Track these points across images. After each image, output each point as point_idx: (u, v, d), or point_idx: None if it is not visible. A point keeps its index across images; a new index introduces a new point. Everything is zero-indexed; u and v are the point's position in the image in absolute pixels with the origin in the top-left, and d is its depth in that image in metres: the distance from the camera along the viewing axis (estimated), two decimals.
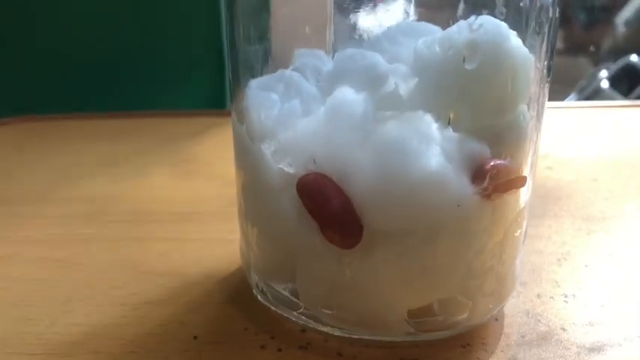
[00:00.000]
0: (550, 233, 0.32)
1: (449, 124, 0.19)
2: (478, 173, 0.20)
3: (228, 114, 0.25)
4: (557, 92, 1.30)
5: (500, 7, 0.21)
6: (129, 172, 0.39)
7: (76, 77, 0.52)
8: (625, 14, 1.44)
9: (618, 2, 1.51)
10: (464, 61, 0.19)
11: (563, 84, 1.34)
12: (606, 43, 1.58)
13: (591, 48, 1.28)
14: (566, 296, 0.27)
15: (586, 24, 1.60)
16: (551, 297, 0.27)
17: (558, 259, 0.30)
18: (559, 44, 1.63)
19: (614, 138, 0.45)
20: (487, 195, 0.20)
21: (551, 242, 0.31)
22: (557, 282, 0.28)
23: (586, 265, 0.29)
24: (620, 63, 1.23)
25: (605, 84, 1.26)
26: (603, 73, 1.30)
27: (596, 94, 1.24)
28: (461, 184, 0.20)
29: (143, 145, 0.43)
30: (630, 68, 1.21)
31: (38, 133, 0.46)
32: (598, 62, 1.47)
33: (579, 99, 1.28)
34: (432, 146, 0.20)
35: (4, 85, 0.52)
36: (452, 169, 0.20)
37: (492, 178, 0.20)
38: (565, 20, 1.58)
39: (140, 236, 0.32)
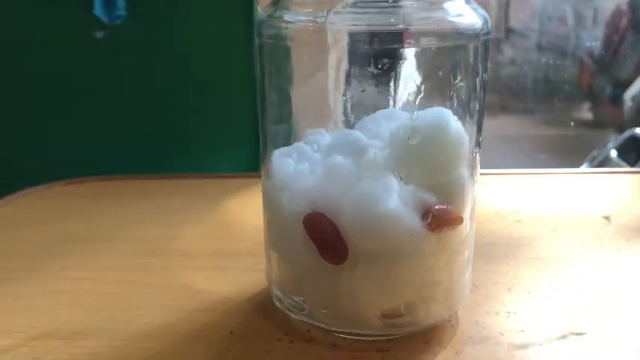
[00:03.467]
0: (507, 269, 0.41)
1: (401, 180, 0.29)
2: (425, 213, 0.30)
3: (258, 176, 0.35)
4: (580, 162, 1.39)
5: (454, 100, 0.31)
6: (181, 219, 0.50)
7: (140, 147, 0.65)
8: (632, 91, 1.53)
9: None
10: (408, 139, 0.29)
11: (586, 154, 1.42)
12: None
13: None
14: (508, 313, 0.36)
15: (612, 98, 1.70)
16: (496, 313, 0.36)
17: (509, 288, 0.38)
18: (587, 116, 1.73)
19: (581, 200, 0.53)
20: (432, 229, 0.30)
21: (506, 276, 0.40)
22: (504, 303, 0.37)
23: (529, 292, 0.38)
24: (626, 134, 1.32)
25: (613, 153, 1.34)
26: (612, 144, 1.38)
27: (604, 163, 1.32)
28: (413, 221, 0.29)
29: (193, 200, 0.54)
30: (636, 139, 1.30)
31: (108, 189, 0.57)
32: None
33: (590, 167, 1.36)
34: (393, 195, 0.30)
35: (81, 153, 0.65)
36: (406, 210, 0.29)
37: (435, 217, 0.30)
38: (593, 94, 1.68)
39: (190, 265, 0.42)
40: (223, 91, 0.63)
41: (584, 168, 1.28)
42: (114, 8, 0.59)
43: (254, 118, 0.34)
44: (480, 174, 0.58)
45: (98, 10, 0.59)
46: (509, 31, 2.08)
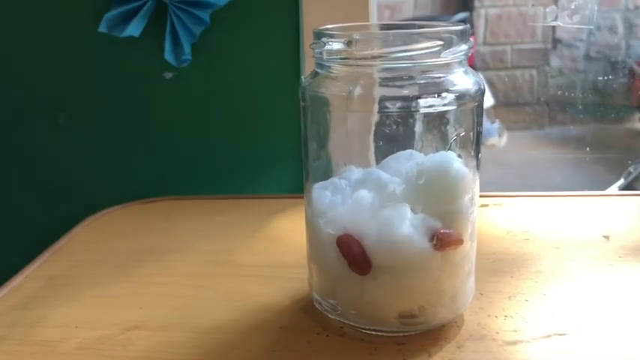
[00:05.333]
0: (511, 281, 0.49)
1: (411, 210, 0.38)
2: (432, 236, 0.38)
3: (303, 197, 0.44)
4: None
5: (457, 145, 0.39)
6: (239, 235, 0.59)
7: (204, 171, 0.75)
8: None
9: None
10: (416, 179, 0.38)
11: None
12: None
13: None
14: (505, 316, 0.43)
15: None
16: (496, 316, 0.43)
17: (509, 296, 0.46)
18: (638, 127, 1.75)
19: (585, 220, 0.60)
20: (437, 249, 0.38)
21: (509, 286, 0.48)
22: (503, 309, 0.44)
23: (526, 300, 0.45)
24: None
25: None
26: None
27: (638, 179, 1.36)
28: (422, 242, 0.38)
29: (248, 217, 0.63)
30: None
31: (177, 207, 0.67)
32: None
33: (624, 183, 1.40)
34: (406, 222, 0.38)
35: (153, 177, 0.75)
36: (416, 234, 0.38)
37: (439, 239, 0.38)
38: None
39: (248, 274, 0.51)
40: (273, 126, 0.73)
41: (615, 186, 1.32)
42: (181, 53, 0.69)
43: (300, 150, 0.43)
44: (495, 196, 0.66)
45: (168, 55, 0.69)
46: (556, 42, 2.12)
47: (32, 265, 0.53)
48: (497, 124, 1.94)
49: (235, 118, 0.73)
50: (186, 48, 0.69)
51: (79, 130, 0.76)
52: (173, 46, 0.69)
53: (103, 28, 0.68)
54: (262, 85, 0.71)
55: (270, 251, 0.56)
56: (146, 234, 0.61)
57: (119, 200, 0.68)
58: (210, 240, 0.58)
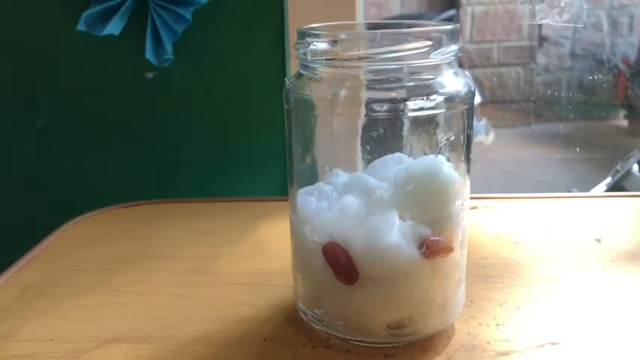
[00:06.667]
0: (502, 287, 0.47)
1: (400, 217, 0.36)
2: (421, 244, 0.37)
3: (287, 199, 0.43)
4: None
5: (446, 149, 0.38)
6: (223, 240, 0.57)
7: (186, 173, 0.73)
8: None
9: None
10: (404, 184, 0.36)
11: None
12: None
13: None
14: (497, 325, 0.42)
15: None
16: (487, 325, 0.42)
17: (501, 303, 0.45)
18: (623, 124, 1.76)
19: (576, 223, 0.59)
20: (426, 256, 0.37)
21: (500, 292, 0.46)
22: (494, 317, 0.43)
23: (518, 307, 0.44)
24: None
25: (635, 168, 1.38)
26: (635, 158, 1.41)
27: (626, 178, 1.35)
28: (410, 250, 0.36)
29: (233, 222, 0.61)
30: None
31: (159, 211, 0.65)
32: None
33: (612, 182, 1.40)
34: (395, 229, 0.37)
35: (134, 179, 0.73)
36: (405, 242, 0.36)
37: (428, 247, 0.37)
38: (629, 102, 1.71)
39: (231, 281, 0.49)
40: (258, 127, 0.71)
41: (603, 184, 1.32)
42: (162, 53, 0.67)
43: (285, 150, 0.41)
44: (484, 198, 0.64)
45: (149, 55, 0.67)
46: (542, 39, 2.11)
47: (5, 274, 0.51)
48: (484, 122, 1.93)
49: (219, 118, 0.71)
50: (168, 47, 0.67)
51: (58, 132, 0.74)
52: (154, 45, 0.67)
53: (81, 26, 0.66)
54: (247, 85, 0.70)
55: (255, 257, 0.54)
56: (126, 240, 0.59)
57: (99, 204, 0.66)
58: (193, 245, 0.57)
